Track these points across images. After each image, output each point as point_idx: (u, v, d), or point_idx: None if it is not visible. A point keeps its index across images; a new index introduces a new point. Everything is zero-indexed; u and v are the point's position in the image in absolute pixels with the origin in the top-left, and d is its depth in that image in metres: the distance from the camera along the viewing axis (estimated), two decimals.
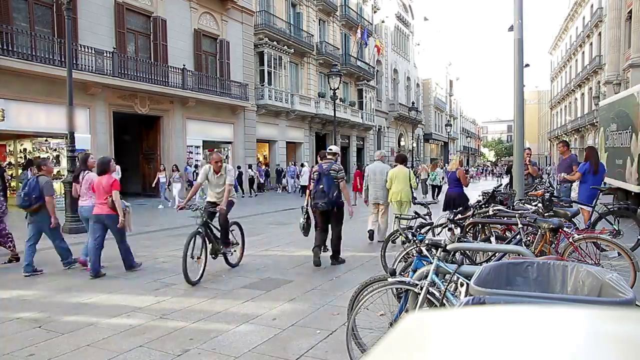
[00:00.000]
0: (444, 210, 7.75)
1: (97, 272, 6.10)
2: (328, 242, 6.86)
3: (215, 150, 20.50)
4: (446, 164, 28.75)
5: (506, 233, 5.28)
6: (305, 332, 3.99)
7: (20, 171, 15.69)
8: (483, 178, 45.08)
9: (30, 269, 6.27)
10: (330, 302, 4.83)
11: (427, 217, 5.57)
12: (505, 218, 5.09)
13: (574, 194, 8.74)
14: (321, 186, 6.50)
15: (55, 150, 15.33)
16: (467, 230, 5.12)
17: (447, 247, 2.98)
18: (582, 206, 7.31)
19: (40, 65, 13.48)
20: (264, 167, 24.93)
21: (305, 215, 7.12)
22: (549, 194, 6.01)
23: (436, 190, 18.91)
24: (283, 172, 24.61)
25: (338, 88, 18.30)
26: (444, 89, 59.77)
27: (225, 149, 22.39)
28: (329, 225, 6.72)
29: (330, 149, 7.16)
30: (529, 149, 9.17)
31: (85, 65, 14.66)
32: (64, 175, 13.23)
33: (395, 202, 7.90)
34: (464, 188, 8.08)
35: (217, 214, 6.30)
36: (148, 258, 7.38)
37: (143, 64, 17.08)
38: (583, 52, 43.18)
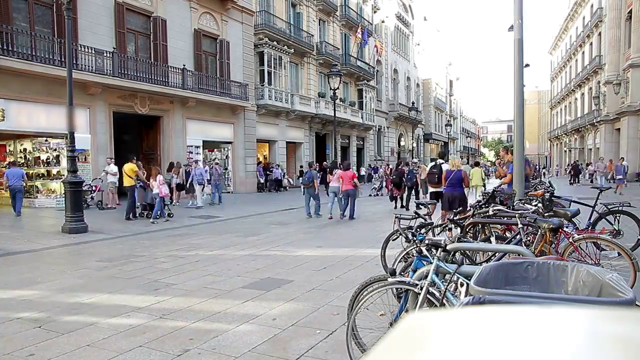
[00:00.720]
0: (442, 209, 8.36)
1: (351, 216, 12.20)
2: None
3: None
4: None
5: (506, 233, 5.28)
6: (305, 332, 3.99)
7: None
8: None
9: (311, 215, 12.80)
10: (330, 302, 4.83)
11: (427, 217, 5.57)
12: (505, 218, 5.09)
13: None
14: (409, 176, 14.59)
15: (55, 150, 15.33)
16: (467, 230, 5.12)
17: (447, 247, 2.98)
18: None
19: (40, 65, 13.47)
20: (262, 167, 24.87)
21: (390, 192, 15.74)
22: (549, 194, 6.01)
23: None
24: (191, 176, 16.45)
25: (338, 88, 18.32)
26: (444, 89, 59.76)
27: (225, 149, 22.39)
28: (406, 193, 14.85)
29: (414, 161, 15.03)
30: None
31: (85, 65, 14.65)
32: (64, 175, 13.25)
33: (472, 186, 11.99)
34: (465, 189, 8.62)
35: None
36: (148, 258, 7.39)
37: (143, 64, 17.08)
38: (583, 52, 43.19)
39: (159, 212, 11.94)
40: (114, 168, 14.78)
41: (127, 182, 12.82)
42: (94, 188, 14.69)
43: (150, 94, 17.38)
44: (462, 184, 8.22)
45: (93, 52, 14.95)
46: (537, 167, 40.97)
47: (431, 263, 2.97)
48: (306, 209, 12.98)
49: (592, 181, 27.35)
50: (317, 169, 18.13)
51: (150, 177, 12.32)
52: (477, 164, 14.24)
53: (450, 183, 8.19)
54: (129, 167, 12.89)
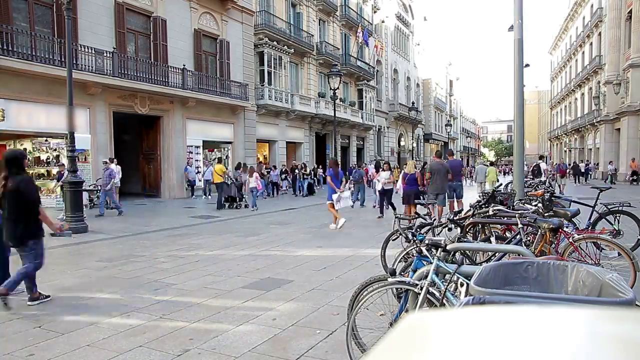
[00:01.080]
0: (403, 204, 10.76)
1: (381, 210, 12.62)
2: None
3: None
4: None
5: (506, 233, 5.28)
6: (305, 332, 3.99)
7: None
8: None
9: (353, 205, 13.46)
10: (330, 302, 4.83)
11: (427, 217, 5.56)
12: (505, 218, 5.09)
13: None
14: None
15: (55, 150, 15.33)
16: (467, 230, 5.11)
17: (447, 247, 2.98)
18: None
19: (40, 65, 13.48)
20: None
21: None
22: (549, 194, 6.01)
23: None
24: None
25: (338, 88, 18.31)
26: (444, 89, 59.77)
27: (225, 149, 22.39)
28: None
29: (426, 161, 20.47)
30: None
31: (85, 65, 14.66)
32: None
33: (489, 181, 16.00)
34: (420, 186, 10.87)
35: None
36: (148, 258, 7.39)
37: (143, 64, 17.08)
38: (583, 52, 43.18)
39: (255, 201, 14.71)
40: (114, 168, 14.74)
41: (217, 179, 15.44)
42: (99, 188, 14.63)
43: (150, 94, 17.38)
44: (417, 182, 10.68)
45: (93, 52, 14.96)
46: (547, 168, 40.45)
47: (431, 263, 2.97)
48: (353, 199, 15.23)
49: (613, 182, 25.97)
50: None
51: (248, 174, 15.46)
52: (492, 164, 19.21)
53: (408, 182, 10.71)
54: (219, 167, 15.63)
